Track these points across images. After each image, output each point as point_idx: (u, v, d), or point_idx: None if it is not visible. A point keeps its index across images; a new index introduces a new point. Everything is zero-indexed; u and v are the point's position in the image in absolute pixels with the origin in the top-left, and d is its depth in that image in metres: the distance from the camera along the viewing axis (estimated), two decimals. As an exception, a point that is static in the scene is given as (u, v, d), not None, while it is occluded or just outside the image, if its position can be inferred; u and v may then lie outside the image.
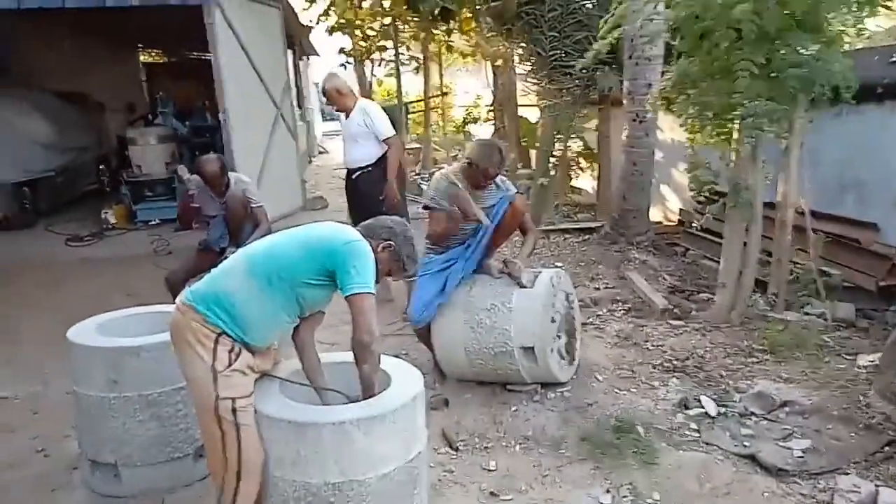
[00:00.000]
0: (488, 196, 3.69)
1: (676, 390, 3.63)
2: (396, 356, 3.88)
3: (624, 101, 6.49)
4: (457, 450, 3.20)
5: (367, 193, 4.98)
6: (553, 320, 3.64)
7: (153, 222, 8.23)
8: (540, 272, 3.74)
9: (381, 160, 4.96)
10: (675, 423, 3.27)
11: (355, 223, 2.68)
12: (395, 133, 4.96)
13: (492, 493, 2.83)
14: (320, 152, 16.92)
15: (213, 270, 2.25)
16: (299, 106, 13.75)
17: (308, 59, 15.11)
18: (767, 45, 3.86)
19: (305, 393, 2.37)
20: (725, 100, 3.95)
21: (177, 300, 2.19)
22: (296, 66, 13.92)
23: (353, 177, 5.10)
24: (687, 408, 3.40)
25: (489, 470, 3.01)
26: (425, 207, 3.75)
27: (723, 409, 3.36)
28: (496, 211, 3.70)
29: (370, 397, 2.21)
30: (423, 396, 2.38)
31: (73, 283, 6.10)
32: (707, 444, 3.09)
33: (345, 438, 2.10)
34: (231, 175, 4.54)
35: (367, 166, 4.98)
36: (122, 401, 2.76)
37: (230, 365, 2.06)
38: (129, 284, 5.64)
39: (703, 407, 3.38)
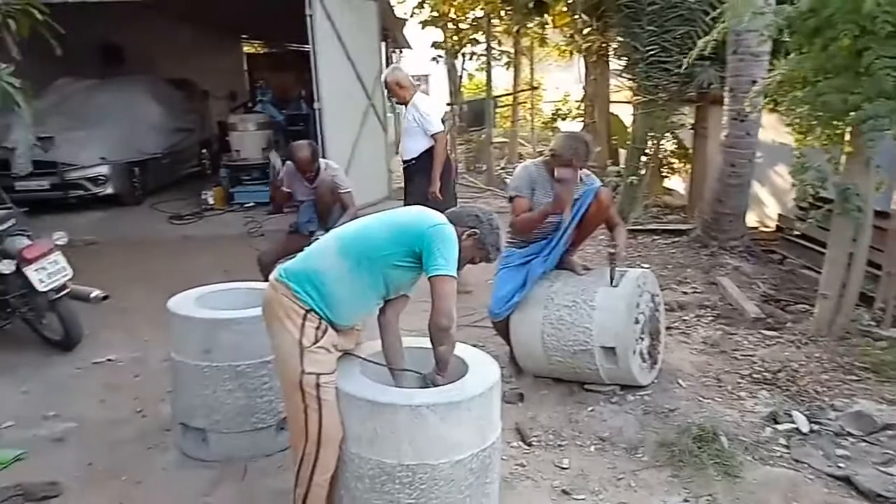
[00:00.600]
0: (574, 189, 3.61)
1: (765, 403, 3.45)
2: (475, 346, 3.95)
3: (725, 99, 6.20)
4: (530, 445, 3.17)
5: (416, 185, 5.13)
6: (637, 321, 3.55)
7: (248, 204, 8.62)
8: (626, 271, 3.64)
9: (429, 153, 5.06)
10: (763, 437, 3.12)
11: None
12: (441, 129, 5.06)
13: (564, 492, 2.79)
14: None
15: (305, 250, 2.33)
16: (389, 98, 13.99)
17: (401, 51, 15.32)
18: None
19: (385, 374, 2.42)
20: (843, 99, 3.68)
21: (271, 277, 2.29)
22: (388, 59, 14.17)
23: (406, 168, 5.30)
24: (776, 422, 3.23)
25: (562, 468, 2.97)
26: (510, 199, 3.73)
27: (816, 427, 3.17)
28: (580, 204, 3.63)
29: (441, 375, 2.26)
30: (499, 387, 2.38)
31: (174, 258, 6.49)
32: (797, 461, 2.92)
33: (420, 422, 2.13)
34: (321, 161, 4.68)
35: (414, 159, 5.13)
36: (214, 370, 2.91)
37: (316, 342, 2.13)
38: (225, 262, 5.93)
39: (794, 422, 3.19)
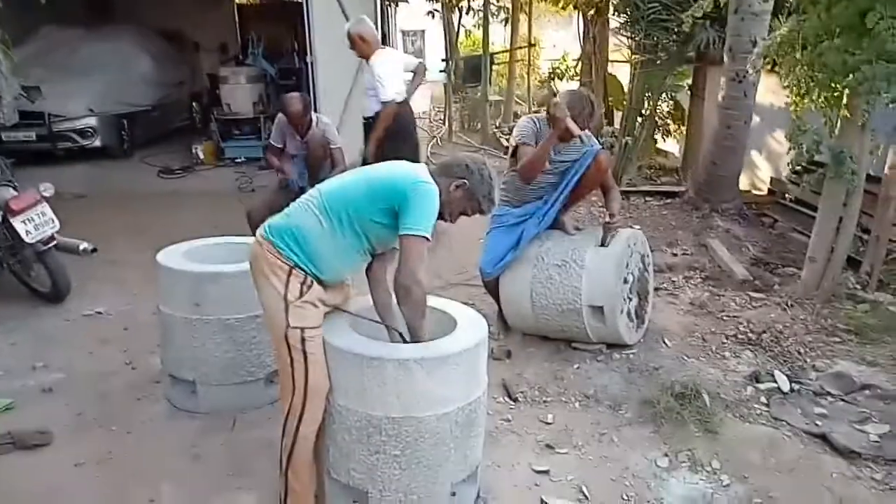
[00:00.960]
0: (571, 150, 3.59)
1: (748, 363, 3.50)
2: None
3: (724, 59, 6.12)
4: (515, 400, 3.22)
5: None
6: (625, 281, 3.57)
7: (239, 160, 8.51)
8: (617, 232, 3.64)
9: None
10: (744, 396, 3.17)
11: None
12: (392, 99, 4.88)
13: (547, 446, 2.85)
14: (402, 101, 16.90)
15: (290, 206, 2.30)
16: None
17: (396, 5, 14.98)
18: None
19: (374, 328, 2.43)
20: (843, 60, 3.63)
21: (257, 233, 2.27)
22: (384, 13, 13.85)
23: (365, 124, 5.21)
24: (758, 381, 3.29)
25: (546, 423, 3.03)
26: (514, 149, 3.63)
27: (796, 387, 3.23)
28: (579, 165, 3.60)
29: (416, 342, 2.23)
30: (486, 343, 2.39)
31: (164, 212, 6.44)
32: (776, 419, 2.98)
33: (407, 376, 2.15)
34: (314, 115, 4.62)
35: (371, 118, 5.05)
36: (202, 323, 2.92)
37: (301, 296, 2.13)
38: (215, 217, 5.89)
39: (775, 382, 3.26)
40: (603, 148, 3.82)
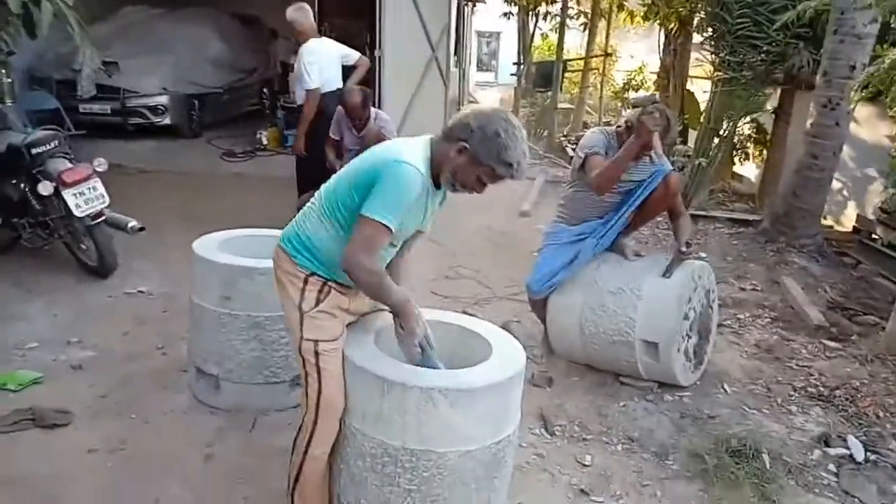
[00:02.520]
0: (640, 169, 3.31)
1: (818, 422, 3.15)
2: (507, 324, 3.75)
3: (817, 83, 5.67)
4: (552, 434, 2.98)
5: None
6: (686, 317, 3.27)
7: (300, 148, 8.51)
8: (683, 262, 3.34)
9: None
10: (810, 461, 2.84)
11: None
12: (315, 86, 4.81)
13: (582, 491, 2.60)
14: (470, 101, 16.78)
15: (300, 210, 2.12)
16: (456, 53, 13.60)
17: (474, 5, 14.83)
18: None
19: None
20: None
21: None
22: (460, 12, 13.71)
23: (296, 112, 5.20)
24: (828, 445, 2.94)
25: (583, 464, 2.78)
26: (583, 160, 3.30)
27: (872, 456, 2.87)
28: (646, 186, 3.33)
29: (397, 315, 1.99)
30: (521, 377, 2.17)
31: (221, 195, 6.46)
32: (846, 493, 2.64)
33: (430, 406, 1.95)
34: (372, 111, 4.49)
35: (301, 106, 4.99)
36: (231, 318, 2.81)
37: (317, 305, 1.97)
38: (268, 204, 5.84)
39: (847, 448, 2.90)
40: (674, 169, 3.52)
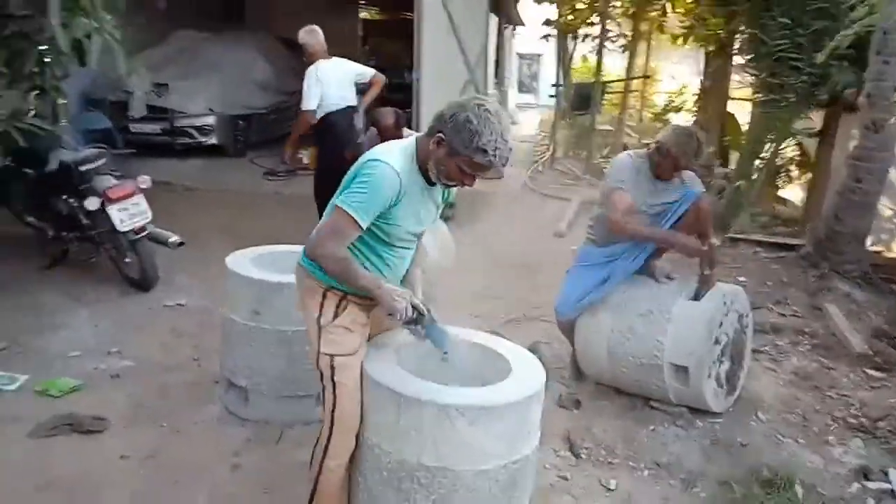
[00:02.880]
0: (670, 190, 3.29)
1: (857, 454, 3.03)
2: (535, 345, 3.73)
3: (861, 105, 5.53)
4: (578, 457, 2.95)
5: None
6: (717, 342, 3.20)
7: (342, 168, 8.68)
8: (712, 286, 3.29)
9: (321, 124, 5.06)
10: (847, 494, 2.73)
11: None
12: (308, 109, 5.00)
13: (604, 516, 2.56)
14: (511, 123, 16.84)
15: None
16: (496, 75, 13.72)
17: (514, 28, 14.96)
18: None
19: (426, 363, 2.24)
20: None
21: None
22: (500, 34, 13.85)
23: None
24: (867, 478, 2.82)
25: (608, 488, 2.74)
26: (609, 191, 3.26)
27: (915, 492, 2.75)
28: (676, 208, 3.31)
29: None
30: (541, 396, 2.16)
31: (261, 213, 6.63)
32: (884, 529, 2.54)
33: (446, 423, 1.96)
34: (406, 132, 4.57)
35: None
36: (260, 332, 2.88)
37: (334, 319, 2.01)
38: (306, 221, 5.95)
39: (889, 482, 2.78)
40: (706, 191, 3.48)
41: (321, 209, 4.81)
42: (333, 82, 5.03)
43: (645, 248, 3.38)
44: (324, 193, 4.78)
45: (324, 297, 2.01)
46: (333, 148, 4.98)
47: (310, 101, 4.97)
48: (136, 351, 3.57)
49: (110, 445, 2.73)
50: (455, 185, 2.00)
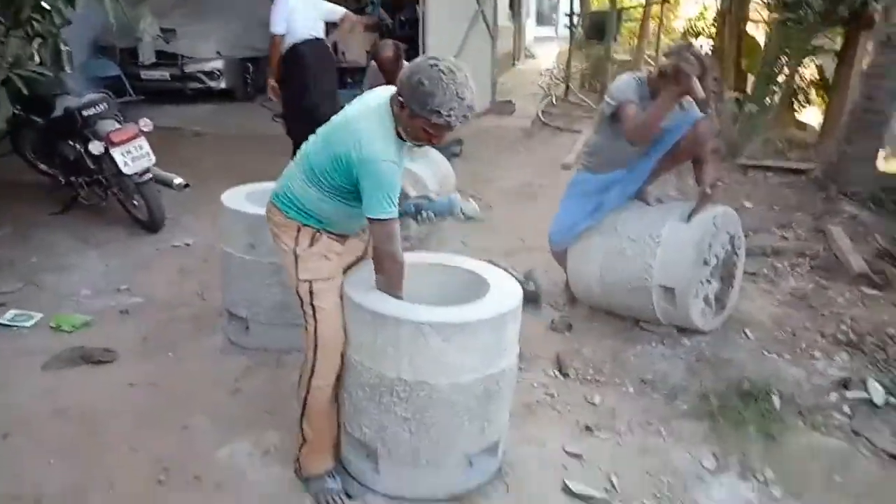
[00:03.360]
0: (670, 114, 3.24)
1: (841, 367, 3.09)
2: (530, 272, 3.80)
3: (876, 18, 5.31)
4: (566, 376, 3.06)
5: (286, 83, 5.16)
6: (706, 262, 3.24)
7: (350, 108, 8.65)
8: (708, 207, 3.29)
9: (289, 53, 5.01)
10: (825, 403, 2.80)
11: None
12: (276, 32, 4.96)
13: (587, 428, 2.68)
14: (527, 56, 16.45)
15: (288, 166, 2.23)
16: (511, 6, 13.34)
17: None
18: None
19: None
20: None
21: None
22: (511, -38, 13.37)
23: None
24: (846, 388, 2.88)
25: (592, 404, 2.85)
26: (614, 110, 3.21)
27: (893, 401, 2.80)
28: (674, 132, 3.27)
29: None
30: (517, 314, 2.25)
31: (268, 155, 6.63)
32: (856, 433, 2.61)
33: (422, 340, 2.06)
34: (406, 64, 4.54)
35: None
36: (256, 264, 2.99)
37: (310, 248, 2.11)
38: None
39: (867, 392, 2.84)
40: (708, 116, 3.40)
41: (298, 145, 4.81)
42: (301, 11, 4.97)
43: (637, 175, 3.37)
44: (300, 129, 4.77)
45: (298, 231, 2.11)
46: (303, 82, 4.95)
47: (276, 25, 4.94)
48: (144, 288, 3.73)
49: (119, 375, 2.90)
50: (423, 145, 2.07)
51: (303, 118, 4.72)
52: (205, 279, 3.82)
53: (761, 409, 2.68)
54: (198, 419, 2.60)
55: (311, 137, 2.16)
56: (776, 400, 2.73)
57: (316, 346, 2.13)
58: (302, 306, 2.13)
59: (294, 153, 2.33)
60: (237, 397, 2.78)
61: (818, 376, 3.01)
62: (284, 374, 2.94)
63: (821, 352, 3.22)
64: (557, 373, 3.08)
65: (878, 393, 2.82)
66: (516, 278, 2.42)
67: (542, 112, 9.30)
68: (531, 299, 3.63)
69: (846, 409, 2.75)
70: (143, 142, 4.25)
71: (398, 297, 2.14)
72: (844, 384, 2.90)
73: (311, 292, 2.09)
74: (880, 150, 5.58)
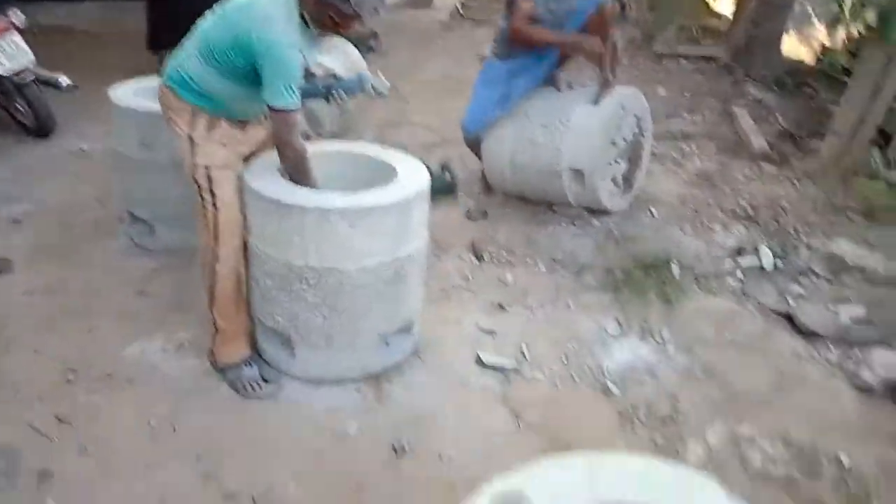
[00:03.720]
0: None
1: (737, 238, 3.28)
2: (446, 162, 3.80)
3: None
4: (480, 259, 3.12)
5: None
6: (614, 144, 3.30)
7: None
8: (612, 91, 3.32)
9: None
10: (720, 270, 2.99)
11: None
12: None
13: (500, 306, 2.77)
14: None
15: (182, 41, 2.09)
16: None
17: None
18: None
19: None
20: None
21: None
22: None
23: None
24: (740, 256, 3.08)
25: (505, 284, 2.94)
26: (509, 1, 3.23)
27: (781, 265, 3.02)
28: (579, 13, 3.22)
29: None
30: (424, 198, 2.25)
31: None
32: (745, 295, 2.82)
33: (328, 226, 2.04)
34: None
35: None
36: (153, 164, 2.83)
37: (207, 134, 2.02)
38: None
39: (758, 258, 3.04)
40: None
41: (156, 43, 4.38)
42: None
43: (545, 62, 3.34)
44: (166, 27, 4.36)
45: (193, 115, 2.00)
46: None
47: None
48: (38, 196, 3.50)
49: (15, 283, 2.75)
50: (329, 34, 2.01)
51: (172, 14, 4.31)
52: (103, 184, 3.60)
53: (662, 277, 2.84)
54: (104, 321, 2.53)
55: (209, 14, 2.03)
56: (676, 269, 2.89)
57: (217, 233, 2.08)
58: (200, 193, 2.05)
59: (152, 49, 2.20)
60: (145, 299, 2.71)
61: (716, 247, 3.19)
62: (193, 275, 2.86)
63: (720, 225, 3.40)
64: (473, 258, 3.14)
65: (767, 258, 3.03)
66: (430, 168, 2.39)
67: (461, 4, 9.00)
68: (447, 189, 3.66)
69: (739, 274, 2.95)
70: (16, 37, 3.85)
71: (309, 185, 2.09)
72: (739, 252, 3.10)
73: (209, 178, 2.02)
74: (784, 34, 5.72)
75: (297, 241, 2.08)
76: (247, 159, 2.20)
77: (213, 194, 2.03)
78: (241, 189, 2.11)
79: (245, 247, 2.18)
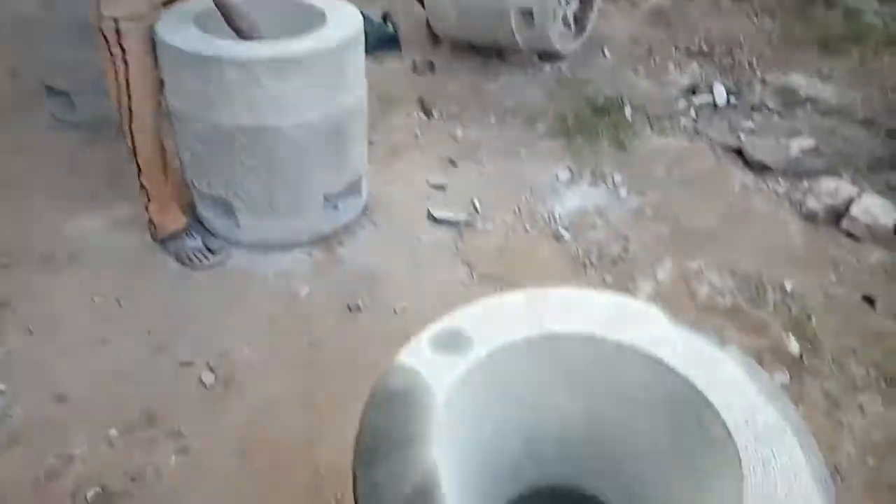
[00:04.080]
0: None
1: (692, 77, 3.19)
2: (388, 13, 3.54)
3: None
4: (429, 115, 3.00)
5: None
6: (564, -20, 3.09)
7: None
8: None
9: None
10: (673, 110, 2.93)
11: None
12: None
13: (450, 161, 2.69)
14: None
15: None
16: None
17: None
18: None
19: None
20: None
21: None
22: None
23: None
24: (694, 94, 3.01)
25: (455, 139, 2.84)
26: None
27: (734, 101, 2.97)
28: None
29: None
30: (360, 44, 2.08)
31: None
32: (697, 133, 2.78)
33: (254, 81, 1.88)
34: None
35: None
36: (57, 24, 2.56)
37: None
38: None
39: (712, 95, 2.98)
40: None
41: None
42: None
43: None
44: None
45: None
46: None
47: None
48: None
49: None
50: None
51: None
52: (15, 54, 3.28)
53: (614, 121, 2.76)
54: (34, 201, 2.38)
55: None
56: (628, 111, 2.81)
57: (130, 91, 1.92)
58: (109, 48, 1.86)
59: None
60: (75, 175, 2.55)
61: (670, 87, 3.11)
62: (122, 147, 2.69)
63: (674, 64, 3.30)
64: (421, 114, 3.01)
65: (720, 94, 2.97)
66: (370, 18, 2.20)
67: None
68: (390, 41, 3.44)
69: (692, 113, 2.89)
70: None
71: (245, 24, 1.93)
72: (693, 91, 3.02)
73: (117, 31, 1.83)
74: None
75: (222, 98, 1.93)
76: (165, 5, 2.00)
77: (122, 49, 1.84)
78: (155, 43, 1.92)
79: (166, 111, 2.02)
